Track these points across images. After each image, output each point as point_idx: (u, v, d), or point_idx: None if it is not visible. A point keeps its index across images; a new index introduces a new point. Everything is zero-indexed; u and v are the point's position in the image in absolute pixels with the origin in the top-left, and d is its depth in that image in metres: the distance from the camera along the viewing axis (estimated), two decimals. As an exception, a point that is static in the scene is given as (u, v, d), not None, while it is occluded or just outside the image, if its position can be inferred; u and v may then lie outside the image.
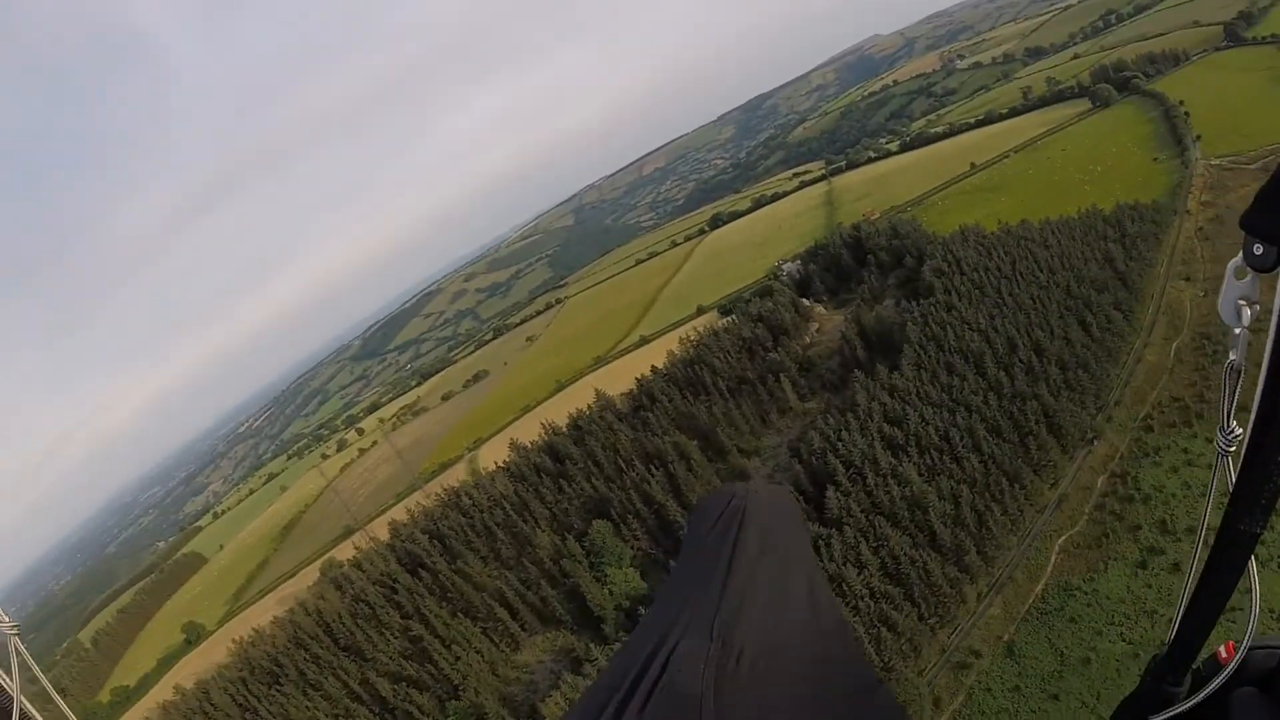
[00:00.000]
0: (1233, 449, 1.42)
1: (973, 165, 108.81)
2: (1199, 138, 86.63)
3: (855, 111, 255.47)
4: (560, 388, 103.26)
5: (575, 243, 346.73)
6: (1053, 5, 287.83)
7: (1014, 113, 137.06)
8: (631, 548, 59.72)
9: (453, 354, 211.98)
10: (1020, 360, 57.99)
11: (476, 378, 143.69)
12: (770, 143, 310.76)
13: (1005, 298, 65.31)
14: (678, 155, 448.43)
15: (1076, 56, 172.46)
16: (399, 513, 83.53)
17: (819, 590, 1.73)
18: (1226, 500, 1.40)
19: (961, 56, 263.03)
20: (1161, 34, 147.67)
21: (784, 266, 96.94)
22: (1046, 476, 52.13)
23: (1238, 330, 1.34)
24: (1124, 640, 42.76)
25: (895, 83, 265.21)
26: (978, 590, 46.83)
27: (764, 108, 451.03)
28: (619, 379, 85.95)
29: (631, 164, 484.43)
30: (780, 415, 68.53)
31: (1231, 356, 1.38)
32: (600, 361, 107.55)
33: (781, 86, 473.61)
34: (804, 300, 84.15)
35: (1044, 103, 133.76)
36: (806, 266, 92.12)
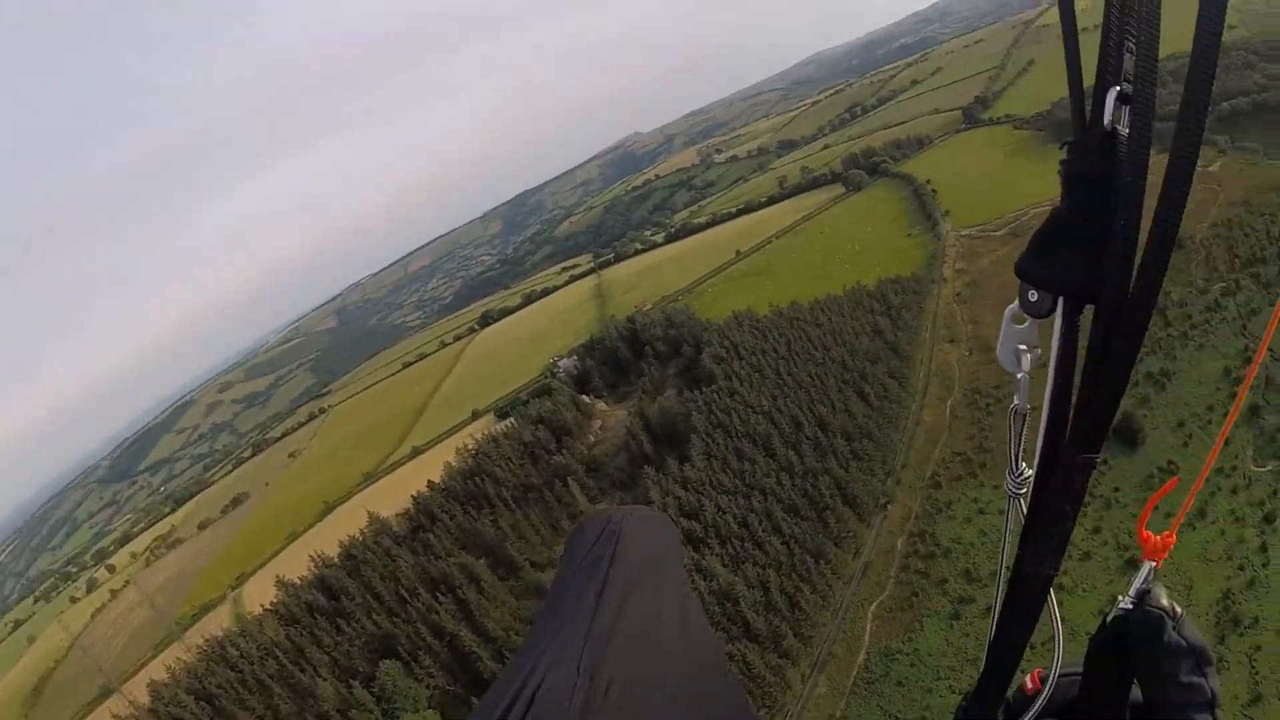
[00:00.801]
0: (1023, 490, 2.26)
1: (738, 252, 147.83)
2: (947, 212, 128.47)
3: (620, 205, 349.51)
4: (329, 509, 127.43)
5: (339, 346, 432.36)
6: (802, 101, 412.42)
7: (773, 201, 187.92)
8: (427, 687, 71.38)
9: (210, 474, 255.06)
10: (807, 437, 79.78)
11: (236, 501, 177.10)
12: (537, 237, 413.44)
13: (785, 378, 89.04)
14: (444, 252, 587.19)
15: (827, 146, 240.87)
16: (158, 669, 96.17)
17: (692, 616, 2.54)
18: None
19: (719, 151, 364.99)
20: (905, 121, 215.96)
21: (560, 363, 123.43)
22: (849, 547, 71.53)
23: (1019, 375, 2.15)
24: (954, 692, 56.19)
25: (657, 177, 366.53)
26: (801, 672, 62.16)
27: (530, 203, 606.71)
28: (393, 496, 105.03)
29: (397, 262, 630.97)
30: (572, 520, 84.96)
31: (1015, 401, 2.19)
32: (371, 478, 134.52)
33: (547, 183, 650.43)
34: (584, 397, 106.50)
35: (800, 190, 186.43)
36: (584, 361, 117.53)
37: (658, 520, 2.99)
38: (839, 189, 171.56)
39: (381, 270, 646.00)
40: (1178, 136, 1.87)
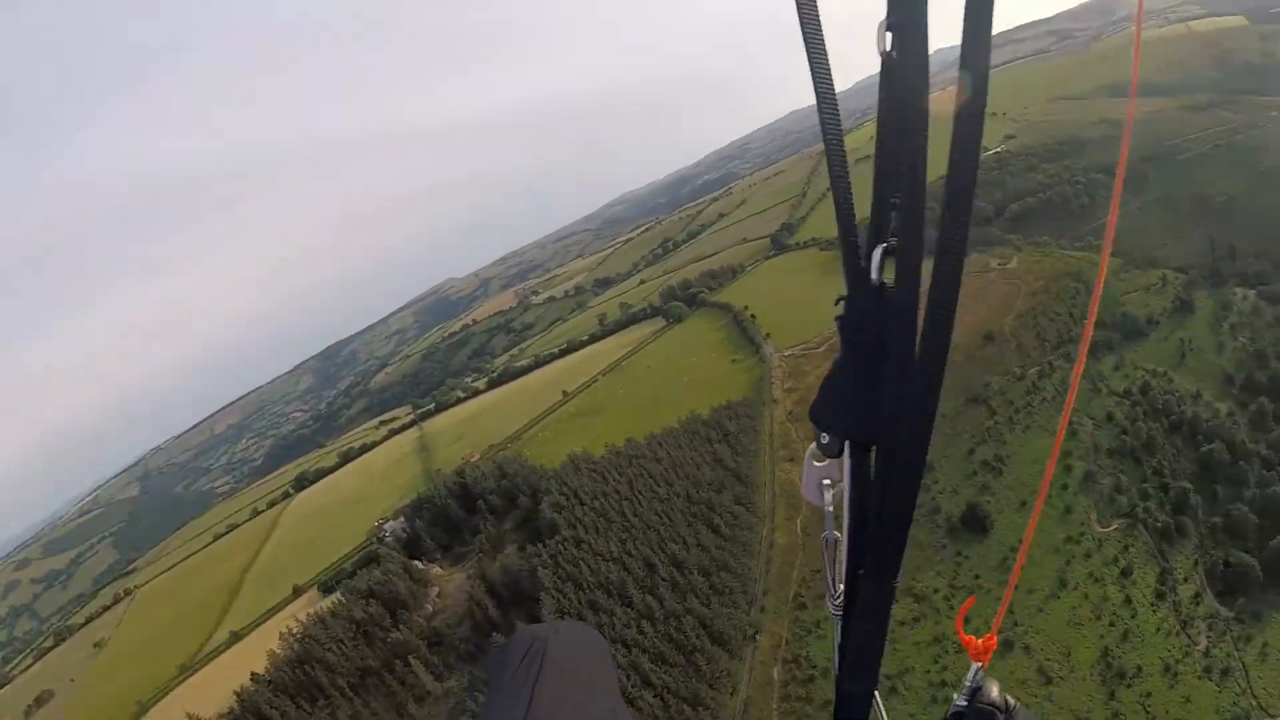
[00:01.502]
0: (841, 613, 2.80)
1: (565, 393, 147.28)
2: (769, 335, 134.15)
3: (437, 353, 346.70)
4: (143, 710, 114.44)
5: (143, 516, 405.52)
6: (614, 240, 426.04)
7: (595, 339, 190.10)
8: None
9: (9, 668, 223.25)
10: (663, 579, 78.96)
11: (40, 701, 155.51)
12: (352, 390, 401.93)
13: (631, 519, 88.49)
14: (253, 410, 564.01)
15: (643, 282, 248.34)
16: None
17: None
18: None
19: (536, 292, 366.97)
20: (716, 252, 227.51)
21: (386, 526, 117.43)
22: (724, 687, 70.13)
23: (825, 508, 2.74)
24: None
25: (474, 322, 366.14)
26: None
27: (343, 355, 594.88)
28: (214, 691, 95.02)
29: (202, 422, 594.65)
30: (419, 704, 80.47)
31: (825, 532, 2.81)
32: (187, 669, 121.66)
33: (360, 333, 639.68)
34: (417, 563, 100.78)
35: (622, 326, 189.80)
36: (412, 523, 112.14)
37: (585, 635, 3.04)
38: (660, 322, 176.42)
39: (185, 432, 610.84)
40: (934, 286, 2.30)
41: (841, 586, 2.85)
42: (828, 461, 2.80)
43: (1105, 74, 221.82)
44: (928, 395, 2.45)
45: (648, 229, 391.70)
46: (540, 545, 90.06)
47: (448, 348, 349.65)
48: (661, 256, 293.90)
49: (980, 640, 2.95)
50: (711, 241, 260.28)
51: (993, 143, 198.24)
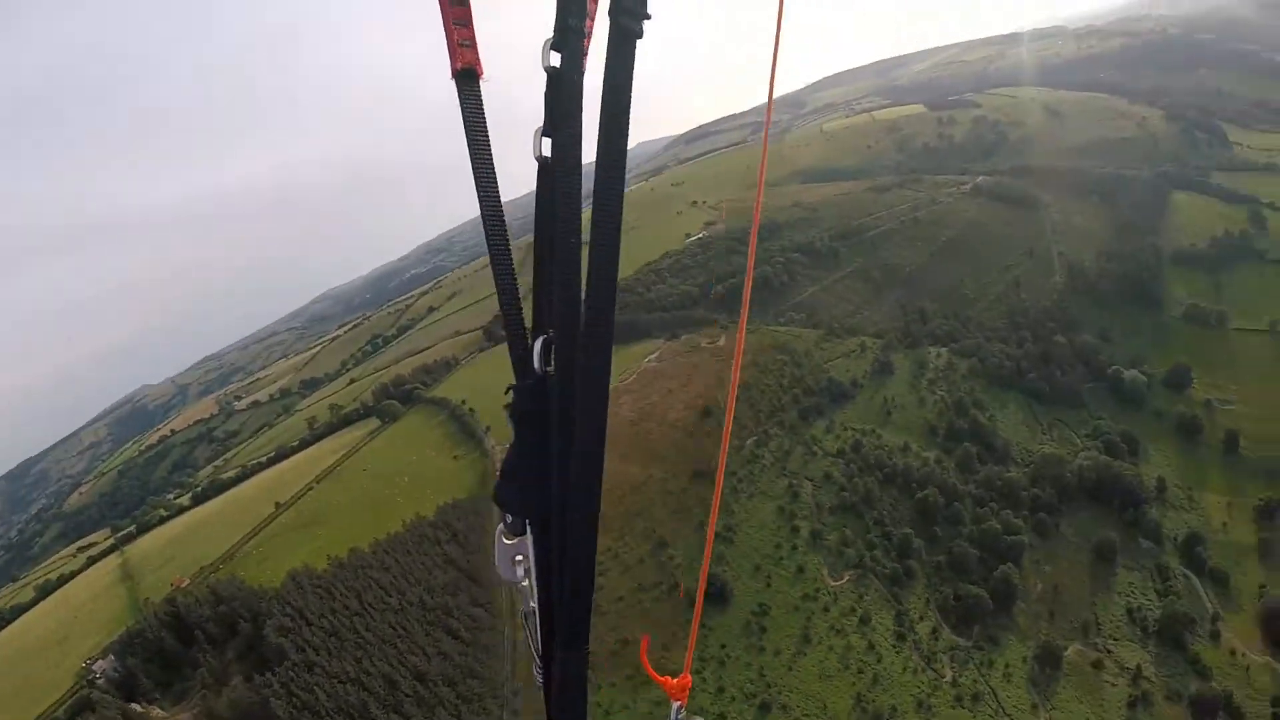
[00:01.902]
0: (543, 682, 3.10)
1: (278, 504, 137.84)
2: (489, 428, 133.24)
3: (135, 467, 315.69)
4: None
5: None
6: (320, 338, 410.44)
7: (305, 444, 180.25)
8: None
9: None
10: (407, 694, 75.78)
11: None
12: (45, 514, 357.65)
13: (365, 635, 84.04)
14: None
15: (354, 381, 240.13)
16: None
17: None
18: None
19: (239, 397, 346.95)
20: (430, 346, 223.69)
21: (96, 666, 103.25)
22: None
23: (519, 583, 3.20)
24: None
25: (173, 432, 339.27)
26: None
27: (33, 474, 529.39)
28: None
29: None
30: None
31: (522, 605, 3.25)
32: None
33: (50, 449, 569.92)
34: (135, 706, 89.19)
35: (334, 428, 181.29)
36: (124, 661, 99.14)
37: None
38: (375, 422, 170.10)
39: None
40: (584, 373, 2.71)
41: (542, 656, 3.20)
42: (516, 539, 3.25)
43: (797, 161, 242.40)
44: (591, 471, 2.78)
45: (356, 325, 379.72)
46: (269, 674, 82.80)
47: (146, 461, 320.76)
48: (371, 354, 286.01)
49: (675, 679, 3.13)
50: (423, 335, 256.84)
51: (695, 230, 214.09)
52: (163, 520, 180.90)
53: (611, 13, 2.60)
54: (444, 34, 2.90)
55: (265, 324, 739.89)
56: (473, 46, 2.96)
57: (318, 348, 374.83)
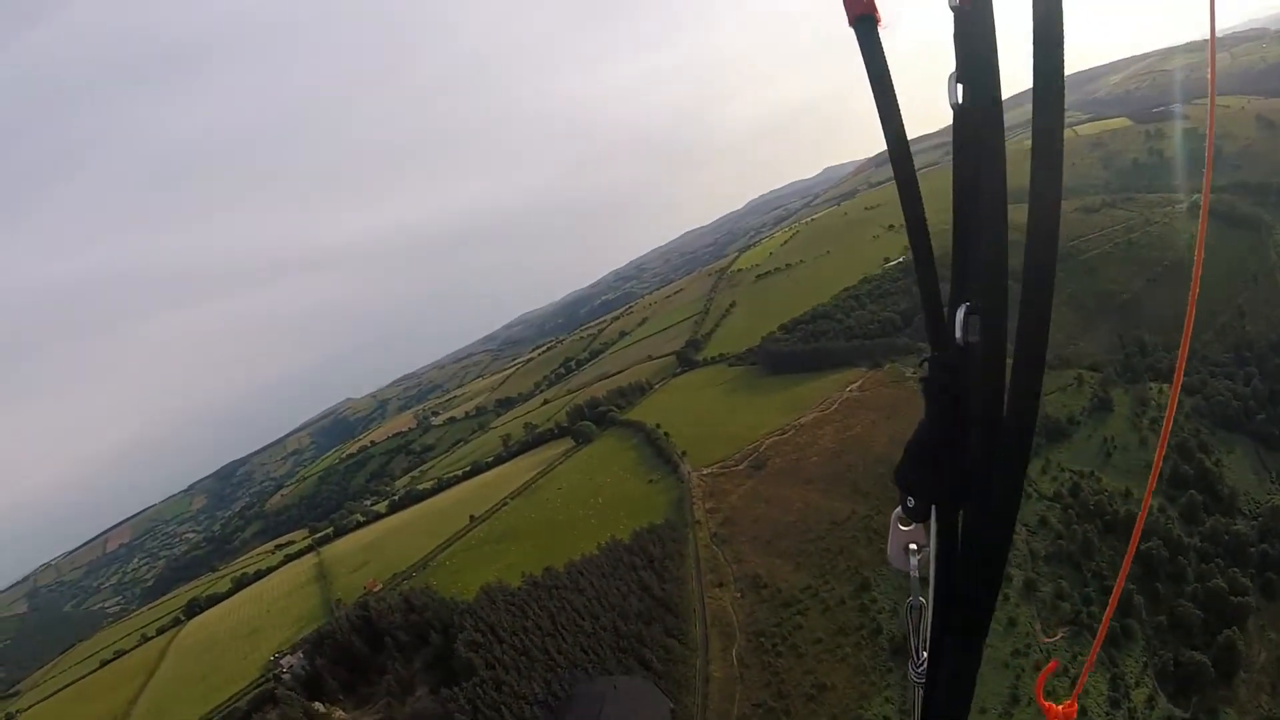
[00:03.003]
0: (924, 680, 2.93)
1: (472, 518, 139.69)
2: (684, 453, 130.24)
3: (335, 474, 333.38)
4: None
5: (31, 634, 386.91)
6: (514, 360, 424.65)
7: (500, 460, 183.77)
8: None
9: None
10: None
11: None
12: (247, 512, 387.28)
13: (556, 657, 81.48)
14: (145, 529, 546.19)
15: (547, 401, 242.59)
16: None
17: None
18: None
19: (435, 413, 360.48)
20: (621, 370, 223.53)
21: (284, 661, 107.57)
22: None
23: (911, 573, 2.88)
24: None
25: (373, 443, 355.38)
26: None
27: (238, 475, 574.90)
28: None
29: (94, 539, 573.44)
30: None
31: (910, 598, 2.97)
32: None
33: (256, 452, 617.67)
34: (318, 705, 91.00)
35: (528, 447, 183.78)
36: (312, 660, 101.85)
37: (643, 692, 3.48)
38: (568, 442, 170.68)
39: (76, 549, 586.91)
40: (1020, 345, 2.50)
41: (925, 654, 3.01)
42: (913, 526, 3.00)
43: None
44: (1017, 455, 2.63)
45: (549, 348, 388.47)
46: (456, 688, 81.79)
47: (346, 469, 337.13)
48: (564, 376, 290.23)
49: (1061, 706, 3.06)
50: (615, 359, 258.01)
51: (894, 254, 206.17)
52: (359, 525, 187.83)
53: None
54: None
55: (462, 345, 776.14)
56: None
57: (512, 369, 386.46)
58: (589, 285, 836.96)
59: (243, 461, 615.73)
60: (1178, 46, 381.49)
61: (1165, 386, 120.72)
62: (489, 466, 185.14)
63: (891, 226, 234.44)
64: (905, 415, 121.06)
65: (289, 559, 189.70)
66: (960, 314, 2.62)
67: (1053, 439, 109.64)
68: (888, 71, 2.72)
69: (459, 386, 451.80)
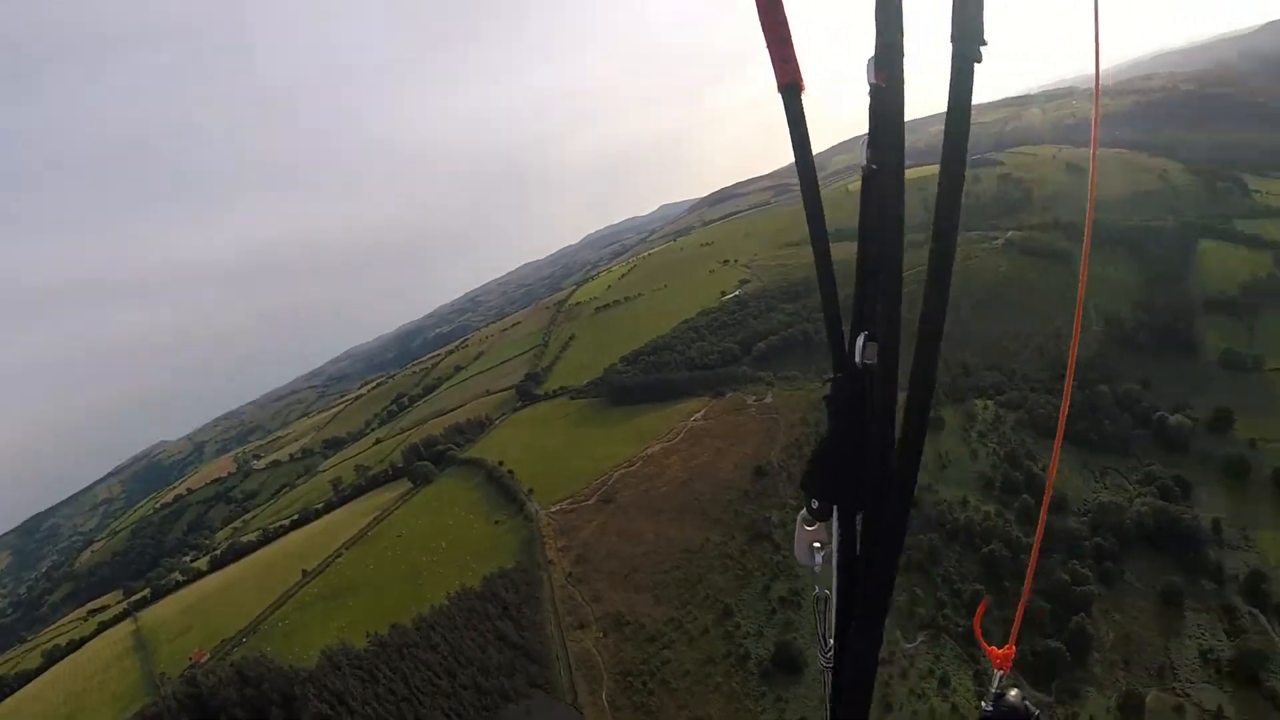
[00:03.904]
0: (831, 665, 3.34)
1: (305, 572, 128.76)
2: (531, 491, 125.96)
3: (149, 526, 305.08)
4: None
5: None
6: (342, 396, 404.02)
7: (330, 507, 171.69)
8: None
9: None
10: None
11: None
12: (55, 573, 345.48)
13: None
14: None
15: (379, 441, 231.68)
16: None
17: None
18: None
19: (257, 456, 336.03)
20: (459, 406, 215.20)
21: None
22: None
23: (815, 568, 3.31)
24: None
25: (189, 491, 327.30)
26: None
27: (43, 530, 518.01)
28: None
29: None
30: None
31: (816, 590, 3.36)
32: None
33: (62, 504, 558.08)
34: None
35: (360, 491, 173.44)
36: None
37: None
38: (405, 484, 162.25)
39: None
40: (915, 367, 2.92)
41: (832, 640, 3.38)
42: (817, 525, 3.39)
43: (828, 222, 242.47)
44: (909, 464, 3.05)
45: (379, 384, 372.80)
46: None
47: (161, 520, 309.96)
48: (397, 413, 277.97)
49: (1000, 649, 3.58)
50: (452, 395, 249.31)
51: (730, 287, 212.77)
52: (179, 585, 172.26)
53: (953, 39, 2.84)
54: (767, 51, 3.05)
55: (285, 381, 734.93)
56: (794, 62, 3.06)
57: (339, 406, 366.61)
58: (422, 317, 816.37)
59: (47, 514, 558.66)
60: (990, 103, 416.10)
61: (989, 403, 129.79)
62: (319, 514, 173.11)
63: (726, 261, 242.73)
64: (749, 442, 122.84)
65: (103, 626, 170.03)
66: (860, 341, 3.07)
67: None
68: (807, 134, 3.09)
69: (282, 427, 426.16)
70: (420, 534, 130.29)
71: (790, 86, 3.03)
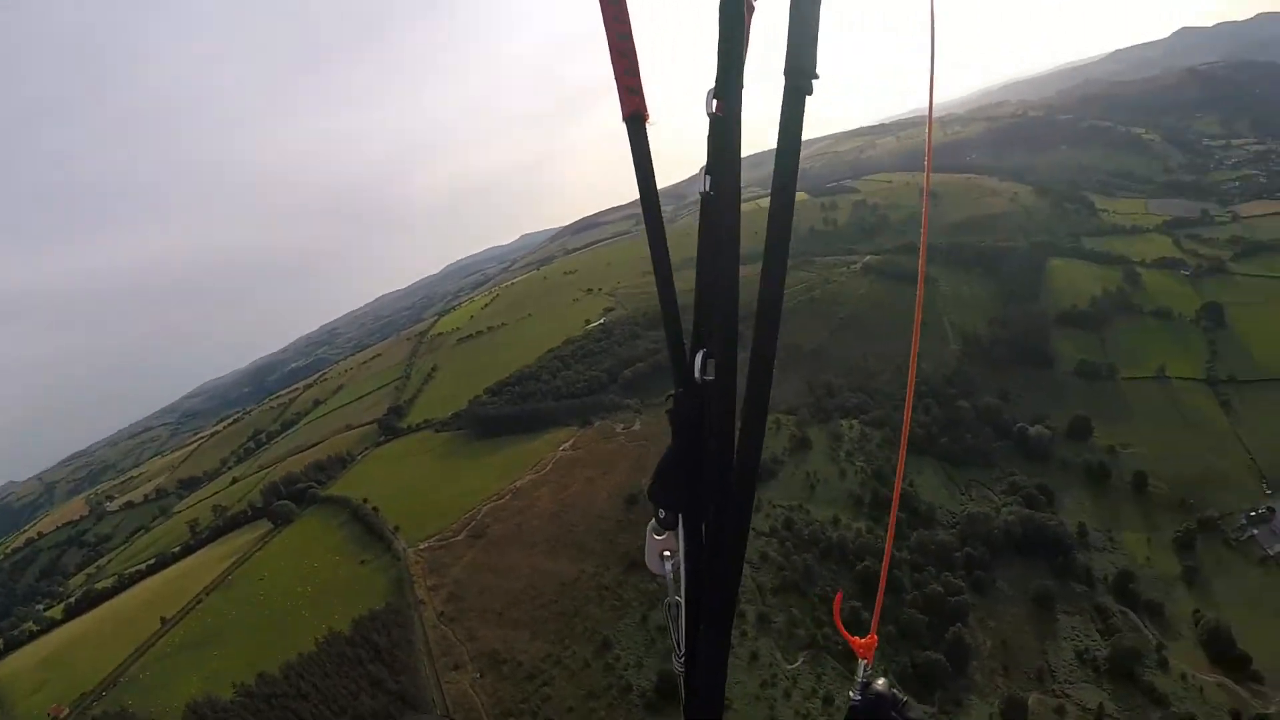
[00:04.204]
0: (684, 668, 3.38)
1: (164, 620, 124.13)
2: (398, 528, 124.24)
3: (0, 574, 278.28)
4: None
5: None
6: (197, 434, 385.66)
7: (188, 550, 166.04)
8: None
9: None
10: None
11: None
12: None
13: None
14: None
15: (236, 480, 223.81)
16: None
17: None
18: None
19: (111, 497, 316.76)
20: (319, 442, 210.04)
21: None
22: None
23: (665, 575, 3.46)
24: None
25: (40, 535, 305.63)
26: None
27: None
28: None
29: None
30: None
31: (668, 597, 3.44)
32: None
33: None
34: None
35: (219, 532, 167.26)
36: None
37: None
38: (265, 525, 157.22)
39: None
40: (750, 382, 3.06)
41: (684, 644, 3.45)
42: (665, 534, 3.53)
43: (687, 250, 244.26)
44: (748, 474, 3.18)
45: (235, 420, 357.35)
46: None
47: (11, 567, 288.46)
48: (254, 450, 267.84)
49: (863, 639, 3.59)
50: (311, 430, 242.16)
51: (594, 315, 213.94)
52: (33, 636, 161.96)
53: (786, 73, 2.98)
54: (614, 81, 3.22)
55: (138, 418, 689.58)
56: (639, 93, 3.24)
57: (194, 444, 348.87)
58: (277, 351, 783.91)
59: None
60: (846, 132, 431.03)
61: (855, 422, 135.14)
62: (176, 558, 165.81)
63: (590, 290, 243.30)
64: (620, 470, 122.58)
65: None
66: (699, 357, 3.22)
67: (761, 479, 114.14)
68: (651, 162, 3.35)
69: (135, 466, 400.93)
70: (284, 577, 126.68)
71: (634, 116, 3.23)
